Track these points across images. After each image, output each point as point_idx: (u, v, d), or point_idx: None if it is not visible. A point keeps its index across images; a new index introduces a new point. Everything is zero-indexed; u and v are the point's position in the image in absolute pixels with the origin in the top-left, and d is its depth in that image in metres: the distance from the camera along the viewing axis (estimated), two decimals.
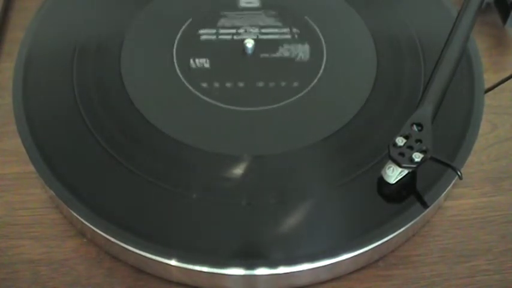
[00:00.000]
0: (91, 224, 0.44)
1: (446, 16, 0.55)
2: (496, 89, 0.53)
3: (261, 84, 0.51)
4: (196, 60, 0.52)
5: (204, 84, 0.51)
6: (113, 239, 0.44)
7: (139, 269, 0.46)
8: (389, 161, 0.44)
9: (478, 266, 0.47)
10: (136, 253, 0.43)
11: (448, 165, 0.45)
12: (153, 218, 0.45)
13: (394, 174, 0.45)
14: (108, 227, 0.44)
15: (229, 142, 0.48)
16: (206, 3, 0.56)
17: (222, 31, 0.54)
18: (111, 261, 0.46)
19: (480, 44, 0.57)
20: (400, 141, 0.44)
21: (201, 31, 0.53)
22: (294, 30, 0.54)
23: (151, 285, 0.46)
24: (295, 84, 0.51)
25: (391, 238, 0.44)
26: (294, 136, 0.48)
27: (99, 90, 0.51)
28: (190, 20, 0.55)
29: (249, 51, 0.53)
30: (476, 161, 0.51)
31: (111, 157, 0.47)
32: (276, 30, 0.54)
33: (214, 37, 0.53)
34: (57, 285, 0.45)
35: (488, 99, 0.52)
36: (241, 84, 0.51)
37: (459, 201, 0.50)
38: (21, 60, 0.52)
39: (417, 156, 0.44)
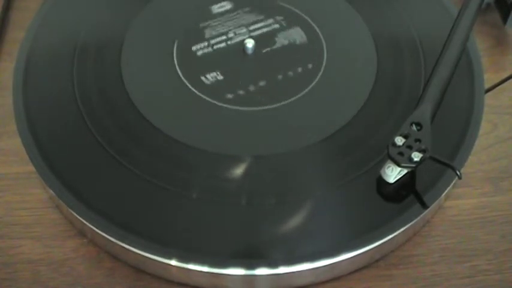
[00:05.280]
0: (91, 224, 0.44)
1: (446, 16, 0.55)
2: (496, 89, 0.53)
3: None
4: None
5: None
6: (113, 239, 0.44)
7: (140, 269, 0.46)
8: (389, 161, 0.44)
9: (478, 266, 0.47)
10: (136, 253, 0.44)
11: (447, 165, 0.45)
12: (153, 218, 0.45)
13: (393, 173, 0.45)
14: (108, 227, 0.44)
15: (229, 142, 0.48)
16: (184, 19, 0.55)
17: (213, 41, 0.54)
18: (111, 261, 0.46)
19: (480, 44, 0.57)
20: (399, 140, 0.44)
21: (194, 47, 0.53)
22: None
23: (152, 285, 0.46)
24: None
25: (391, 238, 0.44)
26: (294, 136, 0.48)
27: (99, 90, 0.51)
28: (190, 19, 0.55)
29: (249, 51, 0.53)
30: (476, 161, 0.51)
31: (111, 157, 0.47)
32: (269, 29, 0.54)
33: (209, 49, 0.53)
34: (58, 285, 0.45)
35: (489, 99, 0.52)
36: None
37: (459, 201, 0.50)
38: (21, 60, 0.52)
39: (416, 156, 0.44)
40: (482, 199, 0.50)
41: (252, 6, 0.56)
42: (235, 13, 0.55)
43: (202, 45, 0.53)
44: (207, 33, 0.54)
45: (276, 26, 0.55)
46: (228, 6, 0.56)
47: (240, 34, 0.54)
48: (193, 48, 0.53)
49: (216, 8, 0.55)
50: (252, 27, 0.54)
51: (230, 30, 0.54)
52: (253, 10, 0.55)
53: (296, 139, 0.48)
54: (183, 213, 0.45)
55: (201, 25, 0.54)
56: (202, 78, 0.51)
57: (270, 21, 0.55)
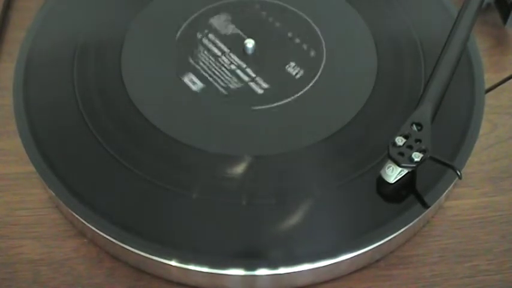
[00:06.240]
0: (91, 224, 0.44)
1: (446, 16, 0.55)
2: (496, 89, 0.53)
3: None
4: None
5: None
6: (113, 239, 0.44)
7: (140, 269, 0.46)
8: (389, 161, 0.44)
9: (479, 266, 0.47)
10: (136, 253, 0.44)
11: (448, 165, 0.45)
12: (153, 218, 0.45)
13: (393, 173, 0.45)
14: (109, 227, 0.44)
15: (229, 142, 0.48)
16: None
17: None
18: (111, 261, 0.46)
19: (480, 44, 0.57)
20: (400, 140, 0.44)
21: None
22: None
23: (152, 285, 0.46)
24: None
25: (392, 238, 0.44)
26: (294, 136, 0.48)
27: (99, 90, 0.51)
28: (189, 19, 0.55)
29: (249, 51, 0.53)
30: (477, 161, 0.51)
31: (111, 157, 0.47)
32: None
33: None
34: (58, 285, 0.45)
35: (489, 99, 0.52)
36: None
37: (459, 201, 0.50)
38: (21, 60, 0.52)
39: (416, 156, 0.44)
40: (483, 199, 0.50)
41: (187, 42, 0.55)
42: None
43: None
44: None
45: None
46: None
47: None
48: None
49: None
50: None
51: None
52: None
53: (296, 139, 0.48)
54: (183, 213, 0.45)
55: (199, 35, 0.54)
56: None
57: (204, 34, 0.55)
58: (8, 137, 0.52)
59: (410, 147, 0.44)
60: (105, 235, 0.44)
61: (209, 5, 0.56)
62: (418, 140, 0.44)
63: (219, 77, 0.51)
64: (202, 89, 0.50)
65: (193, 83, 0.50)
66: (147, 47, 0.53)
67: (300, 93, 0.50)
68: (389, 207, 0.46)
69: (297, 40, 0.54)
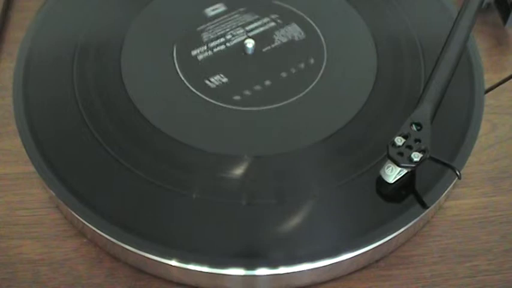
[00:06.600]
0: (91, 224, 0.44)
1: (446, 16, 0.55)
2: (496, 89, 0.53)
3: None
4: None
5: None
6: (113, 239, 0.44)
7: (140, 269, 0.46)
8: (388, 161, 0.44)
9: (479, 266, 0.47)
10: (136, 253, 0.44)
11: (447, 165, 0.45)
12: (153, 218, 0.45)
13: (393, 173, 0.45)
14: (109, 227, 0.44)
15: (229, 142, 0.48)
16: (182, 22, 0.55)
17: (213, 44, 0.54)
18: (111, 261, 0.46)
19: (480, 44, 0.57)
20: (399, 140, 0.44)
21: (193, 52, 0.53)
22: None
23: (152, 285, 0.46)
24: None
25: (392, 238, 0.44)
26: (294, 136, 0.48)
27: (99, 90, 0.51)
28: (186, 23, 0.55)
29: (250, 51, 0.53)
30: (476, 161, 0.51)
31: (111, 157, 0.47)
32: (266, 27, 0.54)
33: (209, 53, 0.53)
34: (58, 285, 0.45)
35: (489, 99, 0.52)
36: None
37: (459, 201, 0.50)
38: (21, 60, 0.52)
39: (416, 156, 0.44)
40: (482, 199, 0.50)
41: (248, 7, 0.56)
42: (229, 15, 0.55)
43: (201, 49, 0.53)
44: (205, 36, 0.54)
45: (273, 24, 0.55)
46: (221, 8, 0.56)
47: (237, 35, 0.54)
48: (193, 52, 0.53)
49: (210, 11, 0.55)
50: (249, 27, 0.54)
51: (227, 32, 0.54)
52: (249, 10, 0.55)
53: (296, 139, 0.48)
54: (183, 213, 0.45)
55: (198, 29, 0.54)
56: (202, 77, 0.51)
57: (266, 20, 0.55)
58: (8, 137, 0.52)
59: (409, 147, 0.44)
60: (105, 235, 0.44)
61: (203, 8, 0.56)
62: (417, 140, 0.44)
63: (216, 27, 0.54)
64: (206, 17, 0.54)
65: (214, 9, 0.54)
66: (147, 47, 0.53)
67: (300, 94, 0.50)
68: (389, 207, 0.46)
69: (297, 40, 0.54)
